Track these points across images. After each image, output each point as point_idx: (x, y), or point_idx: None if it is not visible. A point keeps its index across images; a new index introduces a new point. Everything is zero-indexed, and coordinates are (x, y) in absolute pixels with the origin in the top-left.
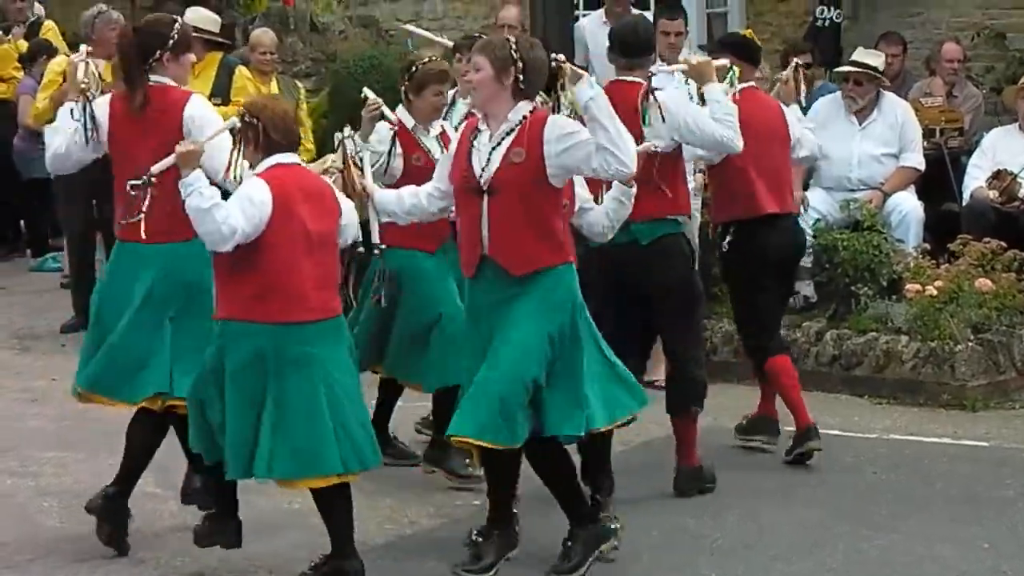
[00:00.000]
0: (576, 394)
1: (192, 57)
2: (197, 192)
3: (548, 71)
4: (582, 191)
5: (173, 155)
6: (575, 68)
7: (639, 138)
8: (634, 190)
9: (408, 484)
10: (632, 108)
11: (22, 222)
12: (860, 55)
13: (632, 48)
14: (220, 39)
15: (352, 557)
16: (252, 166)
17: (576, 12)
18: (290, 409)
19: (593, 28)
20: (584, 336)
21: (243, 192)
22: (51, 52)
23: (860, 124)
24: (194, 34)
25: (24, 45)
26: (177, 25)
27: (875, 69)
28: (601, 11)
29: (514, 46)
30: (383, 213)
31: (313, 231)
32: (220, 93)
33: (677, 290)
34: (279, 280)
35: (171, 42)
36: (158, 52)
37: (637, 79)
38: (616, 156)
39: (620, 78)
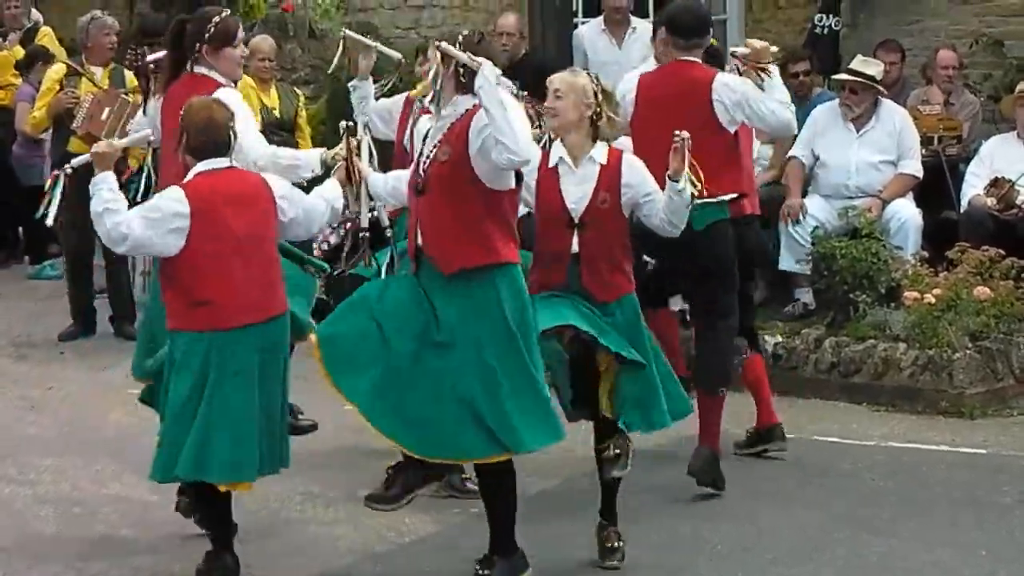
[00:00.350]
0: (538, 400)
1: (238, 52)
2: (98, 193)
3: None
4: (638, 184)
5: (89, 153)
6: (472, 57)
7: (706, 118)
8: (681, 184)
9: None
10: (692, 87)
11: (20, 229)
12: (858, 64)
13: (690, 29)
14: None
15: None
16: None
17: (575, 20)
18: (229, 417)
19: (592, 35)
20: (523, 345)
21: (152, 201)
22: (47, 58)
23: (858, 132)
24: None
25: (21, 52)
26: (216, 19)
27: (871, 78)
28: (600, 19)
29: (460, 38)
30: (374, 195)
31: (244, 234)
32: None
33: (720, 274)
34: (211, 288)
35: (207, 35)
36: (197, 45)
37: (695, 59)
38: (504, 144)
39: (681, 58)
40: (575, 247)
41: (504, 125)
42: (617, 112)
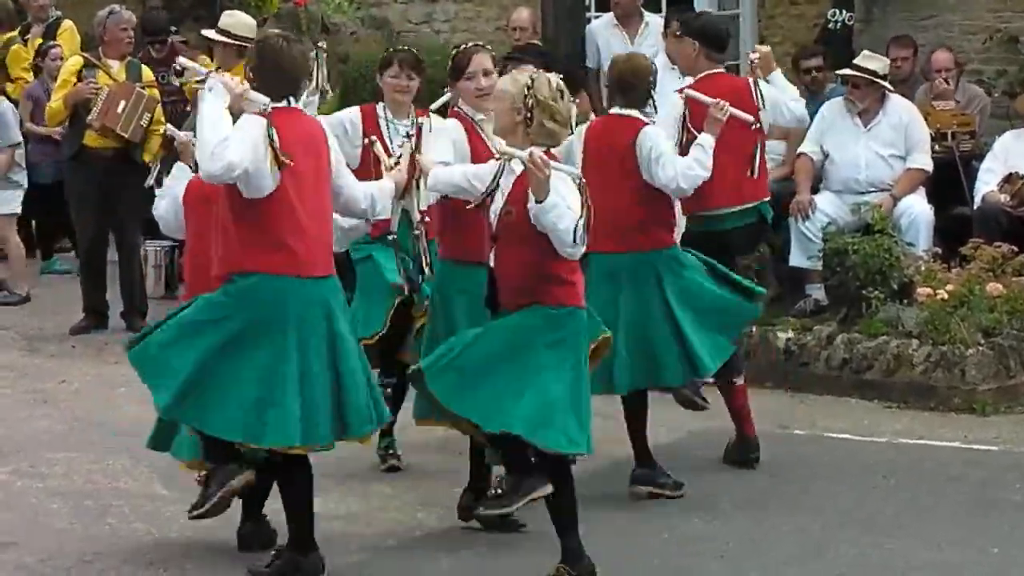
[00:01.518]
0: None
1: (472, 85)
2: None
3: (292, 72)
4: None
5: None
6: (196, 69)
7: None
8: (545, 211)
9: (418, 485)
10: (738, 95)
11: (33, 223)
12: (862, 59)
13: (722, 41)
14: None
15: None
16: None
17: (588, 15)
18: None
19: (604, 30)
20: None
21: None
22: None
23: (865, 126)
24: (228, 40)
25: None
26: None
27: (873, 73)
28: (612, 13)
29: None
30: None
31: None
32: None
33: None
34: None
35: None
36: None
37: (723, 71)
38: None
39: (717, 70)
40: (491, 259)
41: (199, 137)
42: (558, 121)
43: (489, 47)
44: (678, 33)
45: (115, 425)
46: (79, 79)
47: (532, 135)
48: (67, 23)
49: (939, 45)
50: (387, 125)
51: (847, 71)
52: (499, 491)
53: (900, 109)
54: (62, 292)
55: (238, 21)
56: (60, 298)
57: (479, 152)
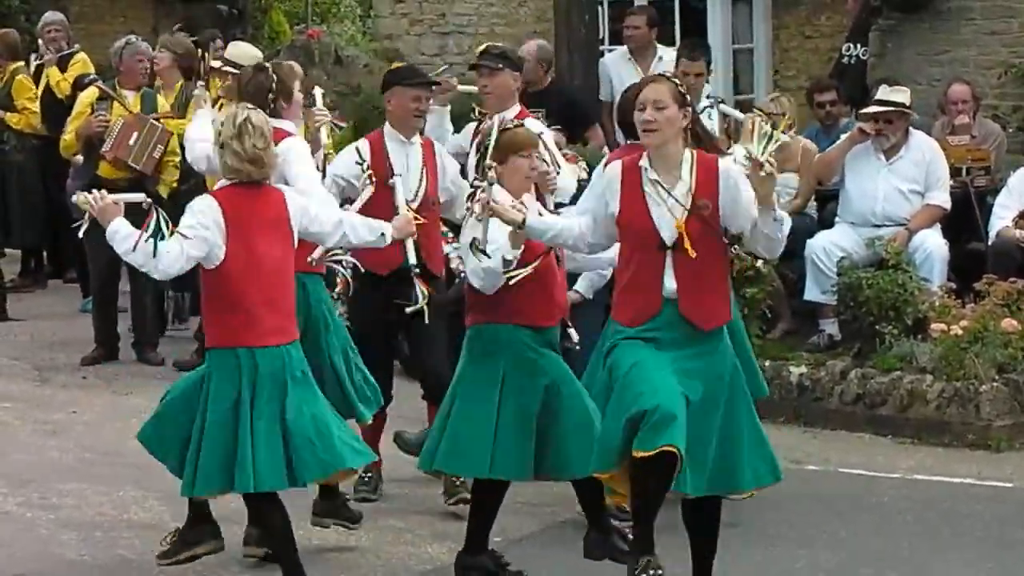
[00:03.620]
0: None
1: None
2: None
3: None
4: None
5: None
6: None
7: None
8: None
9: (430, 519)
10: None
11: (44, 254)
12: (888, 93)
13: None
14: None
15: None
16: None
17: (602, 47)
18: None
19: (617, 64)
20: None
21: None
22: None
23: (887, 160)
24: (232, 70)
25: (57, 74)
26: None
27: (902, 105)
28: (625, 47)
29: None
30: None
31: None
32: None
33: None
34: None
35: None
36: None
37: None
38: None
39: None
40: None
41: None
42: (241, 156)
43: (675, 79)
44: (499, 67)
45: (125, 456)
46: (92, 111)
47: (223, 172)
48: (81, 55)
49: (954, 80)
50: None
51: (876, 108)
52: None
53: (923, 145)
54: (73, 323)
55: (242, 52)
56: (71, 329)
57: (632, 197)
